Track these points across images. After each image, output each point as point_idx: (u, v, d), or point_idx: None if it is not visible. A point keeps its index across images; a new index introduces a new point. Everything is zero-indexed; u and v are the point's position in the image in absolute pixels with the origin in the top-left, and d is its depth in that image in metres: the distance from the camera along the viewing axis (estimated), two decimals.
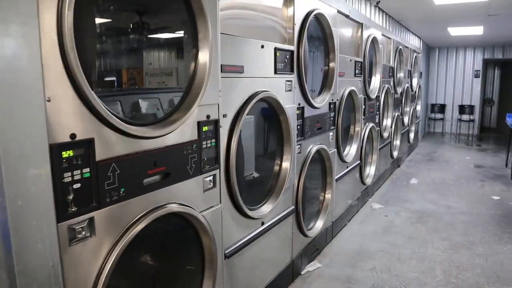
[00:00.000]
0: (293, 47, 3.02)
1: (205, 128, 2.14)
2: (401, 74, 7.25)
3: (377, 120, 5.69)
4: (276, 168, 3.02)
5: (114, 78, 1.89)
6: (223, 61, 2.26)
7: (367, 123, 5.16)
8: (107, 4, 1.73)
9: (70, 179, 1.43)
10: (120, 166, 1.63)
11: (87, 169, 1.49)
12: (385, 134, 6.26)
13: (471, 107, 12.16)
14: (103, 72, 1.74)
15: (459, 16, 6.94)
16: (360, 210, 5.15)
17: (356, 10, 5.02)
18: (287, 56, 2.96)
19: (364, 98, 4.97)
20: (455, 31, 8.78)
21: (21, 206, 1.27)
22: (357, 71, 4.58)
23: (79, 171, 1.46)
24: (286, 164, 3.03)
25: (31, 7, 1.26)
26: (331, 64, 3.79)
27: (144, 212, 1.78)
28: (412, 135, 8.97)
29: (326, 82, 3.78)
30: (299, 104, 3.19)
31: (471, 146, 10.54)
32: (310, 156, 3.40)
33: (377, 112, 5.66)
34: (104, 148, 1.56)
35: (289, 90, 3.02)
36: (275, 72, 2.82)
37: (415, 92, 9.05)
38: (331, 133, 3.91)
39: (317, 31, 3.63)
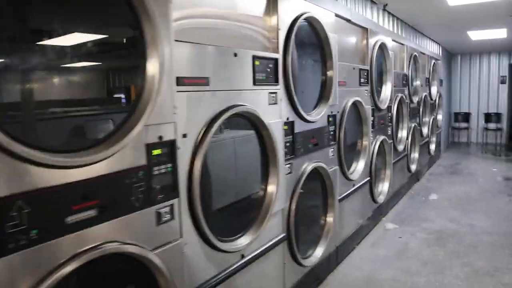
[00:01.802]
0: (277, 55, 2.69)
1: (156, 152, 1.82)
2: (417, 82, 6.80)
3: (389, 132, 5.27)
4: (260, 192, 2.67)
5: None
6: (181, 72, 1.95)
7: (377, 136, 4.75)
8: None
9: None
10: (31, 203, 1.33)
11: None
12: (400, 147, 5.81)
13: (498, 115, 11.48)
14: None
15: (478, 18, 6.47)
16: (372, 231, 4.72)
17: (360, 15, 4.68)
18: (270, 66, 2.63)
19: (373, 109, 4.57)
20: (476, 35, 8.27)
21: None
22: (362, 80, 4.20)
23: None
24: (271, 188, 2.68)
25: None
26: (329, 73, 3.43)
27: (70, 256, 1.47)
28: (433, 147, 8.43)
29: (324, 93, 3.42)
30: (287, 119, 2.84)
31: (499, 156, 9.88)
32: (304, 176, 3.04)
33: (390, 124, 5.24)
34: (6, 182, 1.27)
35: (274, 103, 2.68)
36: (254, 83, 2.50)
37: (435, 100, 8.55)
38: (331, 149, 3.54)
39: (311, 37, 3.29)
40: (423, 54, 7.55)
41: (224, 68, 2.25)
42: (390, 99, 5.17)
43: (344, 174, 3.85)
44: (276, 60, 2.68)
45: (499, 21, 6.76)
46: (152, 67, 1.76)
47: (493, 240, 4.36)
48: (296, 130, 2.95)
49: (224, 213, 2.47)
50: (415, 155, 6.87)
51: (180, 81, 1.95)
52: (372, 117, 4.56)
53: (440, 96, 9.19)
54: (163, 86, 1.79)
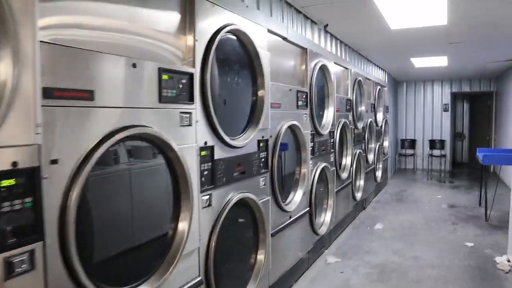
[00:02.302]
0: (193, 70, 2.32)
1: (6, 182, 1.38)
2: (362, 108, 6.67)
3: (332, 159, 5.00)
4: (170, 231, 2.24)
5: None
6: (53, 82, 1.53)
7: (318, 163, 4.46)
8: None
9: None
10: None
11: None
12: (344, 175, 5.57)
13: (442, 142, 11.70)
14: None
15: (420, 45, 6.47)
16: (312, 265, 4.36)
17: (299, 34, 4.43)
18: (183, 81, 2.25)
19: (313, 134, 4.29)
20: (419, 62, 8.36)
21: None
22: (300, 103, 3.91)
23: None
24: (183, 225, 2.25)
25: None
26: (260, 93, 3.09)
27: None
28: (379, 173, 8.33)
29: (253, 115, 3.07)
30: (205, 143, 2.45)
31: (443, 182, 9.97)
32: (227, 208, 2.64)
33: (332, 150, 4.98)
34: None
35: (188, 125, 2.29)
36: (161, 101, 2.10)
37: (381, 127, 8.50)
38: (262, 178, 3.17)
39: (240, 54, 2.95)
40: (368, 79, 7.49)
41: (118, 81, 1.85)
42: (333, 124, 4.92)
43: (278, 205, 3.48)
44: (191, 75, 2.30)
45: (440, 48, 6.81)
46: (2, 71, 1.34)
47: (437, 275, 4.12)
48: (217, 156, 2.56)
49: (119, 260, 2.01)
50: (361, 182, 6.67)
51: (48, 92, 1.52)
52: (312, 143, 4.27)
53: (386, 123, 9.19)
54: (19, 96, 1.38)
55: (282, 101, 3.51)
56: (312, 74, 4.23)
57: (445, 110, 11.71)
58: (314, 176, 4.33)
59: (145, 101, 2.00)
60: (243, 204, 2.95)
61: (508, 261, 4.32)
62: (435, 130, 11.86)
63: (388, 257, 4.64)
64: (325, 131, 4.64)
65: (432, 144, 11.82)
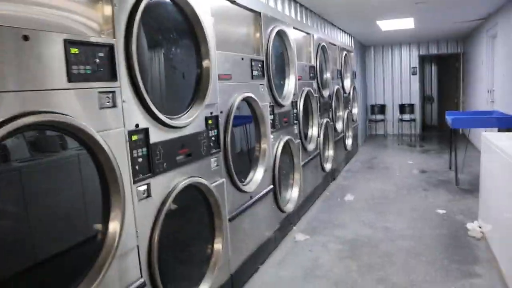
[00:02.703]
0: (112, 41, 1.94)
1: None
2: (327, 75, 6.37)
3: (296, 131, 4.72)
4: (98, 234, 1.92)
5: None
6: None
7: (280, 137, 4.17)
8: None
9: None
10: None
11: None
12: (311, 146, 5.31)
13: (411, 106, 11.61)
14: None
15: (386, 6, 6.16)
16: (280, 245, 4.13)
17: None
18: (101, 55, 1.88)
19: (272, 106, 3.97)
20: (385, 25, 8.06)
21: None
22: (256, 73, 3.57)
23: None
24: (114, 223, 1.93)
25: None
26: (205, 63, 2.74)
27: None
28: (349, 142, 8.14)
29: (198, 89, 2.72)
30: (136, 126, 2.11)
31: (414, 147, 9.90)
32: (171, 197, 2.32)
33: (295, 122, 4.69)
34: None
35: (111, 106, 1.93)
36: (70, 80, 1.73)
37: (349, 94, 8.25)
38: (213, 159, 2.86)
39: (179, 22, 2.57)
40: (334, 45, 7.16)
41: (4, 58, 1.47)
42: (295, 94, 4.61)
43: (236, 186, 3.19)
44: (110, 47, 1.93)
45: (406, 9, 6.53)
46: None
47: (408, 246, 3.95)
48: (154, 139, 2.22)
49: (38, 271, 1.68)
50: (330, 152, 6.46)
51: None
52: (272, 115, 3.96)
53: (354, 89, 8.95)
54: None
55: (233, 71, 3.16)
56: (268, 41, 3.87)
57: (414, 73, 11.57)
58: (276, 150, 4.05)
59: (49, 81, 1.63)
60: (193, 189, 2.64)
61: (479, 227, 4.20)
62: (404, 94, 11.74)
63: (359, 230, 4.45)
64: (286, 102, 4.32)
65: (402, 108, 11.72)
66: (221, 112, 2.97)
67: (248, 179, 3.54)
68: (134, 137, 2.09)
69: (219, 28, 3.04)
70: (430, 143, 10.35)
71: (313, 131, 5.55)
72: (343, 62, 7.64)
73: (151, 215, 2.22)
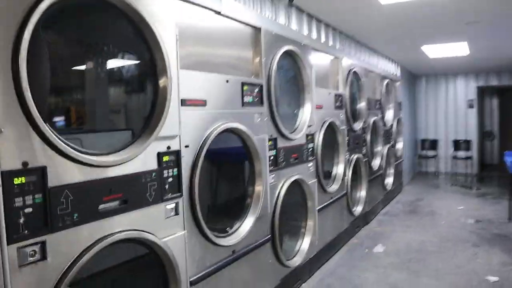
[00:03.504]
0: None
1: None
2: (361, 105, 5.61)
3: (312, 169, 3.99)
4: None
5: None
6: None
7: (286, 177, 3.47)
8: None
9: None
10: None
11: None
12: (333, 187, 4.54)
13: (467, 142, 10.39)
14: None
15: (430, 26, 5.35)
16: None
17: (250, 10, 3.46)
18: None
19: (275, 139, 3.30)
20: (432, 51, 7.14)
21: None
22: (248, 99, 2.93)
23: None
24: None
25: None
26: (161, 82, 2.15)
27: None
28: (389, 180, 7.21)
29: (151, 117, 2.13)
30: (24, 165, 1.53)
31: (469, 189, 8.70)
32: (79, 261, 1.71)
33: (311, 158, 3.96)
34: None
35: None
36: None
37: (391, 126, 7.37)
38: (169, 206, 2.22)
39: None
40: (372, 72, 6.41)
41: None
42: (311, 126, 3.91)
43: (208, 239, 2.52)
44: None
45: (456, 31, 5.66)
46: None
47: None
48: (58, 182, 1.63)
49: None
50: (361, 193, 5.61)
51: None
52: (274, 151, 3.29)
53: (399, 122, 8.05)
54: None
55: (210, 96, 2.54)
56: (272, 62, 3.23)
57: (471, 106, 10.39)
58: (279, 193, 3.35)
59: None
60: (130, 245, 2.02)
61: None
62: (460, 129, 10.55)
63: None
64: (297, 135, 3.63)
65: (457, 144, 10.52)
66: (187, 146, 2.35)
67: (232, 230, 2.85)
68: (17, 180, 1.52)
69: (200, 46, 2.50)
70: (488, 185, 9.09)
71: (339, 169, 4.78)
72: (384, 91, 6.82)
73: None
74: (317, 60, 4.30)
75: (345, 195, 4.95)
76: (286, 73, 3.68)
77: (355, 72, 5.29)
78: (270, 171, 3.21)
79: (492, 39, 6.15)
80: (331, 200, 4.50)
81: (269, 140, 3.20)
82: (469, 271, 4.09)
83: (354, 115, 5.36)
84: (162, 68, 2.13)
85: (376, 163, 6.35)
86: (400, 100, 8.35)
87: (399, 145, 8.16)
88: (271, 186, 3.23)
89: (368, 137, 5.88)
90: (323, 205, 4.26)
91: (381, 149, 6.60)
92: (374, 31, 5.60)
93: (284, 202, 3.39)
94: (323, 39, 4.80)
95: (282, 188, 3.38)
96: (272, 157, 3.24)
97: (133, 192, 2.00)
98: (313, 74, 3.90)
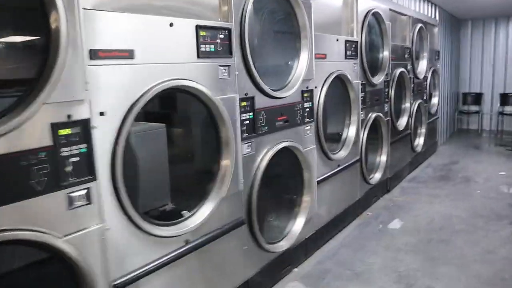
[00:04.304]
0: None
1: None
2: (384, 54, 4.75)
3: (309, 134, 3.30)
4: None
5: None
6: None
7: (271, 145, 2.81)
8: None
9: None
10: None
11: None
12: (340, 154, 3.85)
13: None
14: None
15: None
16: None
17: None
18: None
19: (251, 99, 2.62)
20: None
21: None
22: (206, 48, 2.25)
23: None
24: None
25: None
26: (52, 21, 1.51)
27: None
28: (420, 141, 6.36)
29: (41, 72, 1.52)
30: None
31: None
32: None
33: (306, 120, 3.25)
34: None
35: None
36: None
37: (425, 79, 6.42)
38: (75, 194, 1.65)
39: None
40: (401, 14, 5.46)
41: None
42: (310, 80, 3.18)
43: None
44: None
45: None
46: None
47: None
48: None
49: None
50: (381, 158, 4.88)
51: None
52: (251, 114, 2.62)
53: (434, 73, 7.04)
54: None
55: (141, 45, 1.89)
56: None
57: None
58: (259, 165, 2.72)
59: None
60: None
61: None
62: (509, 81, 9.30)
63: None
64: (286, 92, 2.92)
65: (504, 99, 9.31)
66: (102, 113, 1.74)
67: (188, 215, 2.27)
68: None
69: None
70: None
71: (350, 131, 4.05)
72: (415, 37, 5.84)
73: None
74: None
75: (358, 161, 4.25)
76: (272, 16, 2.93)
77: (375, 14, 4.40)
78: (244, 139, 2.56)
79: None
80: (338, 169, 3.82)
81: (243, 100, 2.53)
82: (501, 259, 3.36)
83: (374, 67, 4.54)
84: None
85: (402, 122, 5.52)
86: (438, 48, 7.28)
87: (435, 100, 7.20)
88: (246, 157, 2.59)
89: (392, 92, 5.04)
90: (326, 175, 3.60)
91: (410, 105, 5.74)
92: None
93: (267, 176, 2.76)
94: None
95: (263, 159, 2.74)
96: (247, 122, 2.58)
97: (9, 181, 1.45)
98: (311, 13, 3.11)
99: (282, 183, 3.25)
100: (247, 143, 2.61)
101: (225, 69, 2.38)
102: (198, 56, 2.20)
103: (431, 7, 7.20)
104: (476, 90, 9.69)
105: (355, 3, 4.02)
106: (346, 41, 3.82)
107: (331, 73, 3.54)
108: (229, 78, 2.41)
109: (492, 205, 4.63)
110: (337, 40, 3.67)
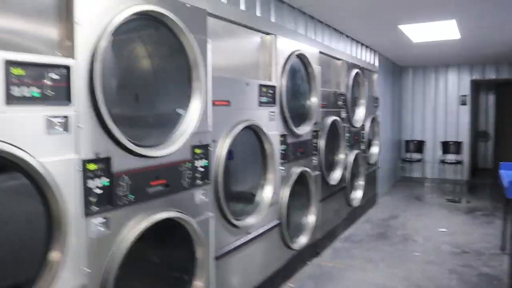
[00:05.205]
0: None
1: None
2: (312, 100, 4.25)
3: (205, 199, 2.63)
4: None
5: None
6: None
7: (146, 216, 2.11)
8: None
9: None
10: None
11: None
12: (249, 221, 3.19)
13: (458, 144, 9.03)
14: None
15: None
16: None
17: None
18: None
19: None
20: (414, 33, 5.69)
21: None
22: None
23: None
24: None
25: None
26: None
27: None
28: (357, 195, 5.87)
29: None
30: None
31: (458, 202, 7.38)
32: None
33: (205, 180, 2.60)
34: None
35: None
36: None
37: (362, 128, 6.02)
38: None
39: None
40: (335, 58, 5.07)
41: None
42: (198, 134, 2.55)
43: None
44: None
45: (438, 4, 4.29)
46: None
47: None
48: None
49: None
50: (308, 219, 4.27)
51: None
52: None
53: (374, 121, 6.70)
54: None
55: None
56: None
57: (463, 103, 9.02)
58: (119, 247, 2.00)
59: None
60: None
61: None
62: (450, 129, 9.18)
63: None
64: (167, 149, 2.27)
65: (445, 147, 9.17)
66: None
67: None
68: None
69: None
70: (479, 197, 7.78)
71: (265, 192, 3.42)
72: (351, 83, 5.44)
73: None
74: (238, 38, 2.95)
75: (278, 225, 3.62)
76: (155, 51, 2.31)
77: (301, 56, 3.92)
78: (93, 213, 1.85)
79: (486, 15, 4.76)
80: (249, 238, 3.16)
81: (90, 162, 1.84)
82: None
83: (299, 115, 4.02)
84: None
85: (335, 175, 5.01)
86: (377, 95, 6.99)
87: (374, 150, 6.82)
88: (97, 240, 1.87)
89: (323, 143, 4.52)
90: (230, 247, 2.93)
91: (345, 156, 5.26)
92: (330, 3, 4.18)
93: (139, 258, 2.04)
94: (242, 6, 3.37)
95: (126, 239, 2.03)
96: (99, 191, 1.88)
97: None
98: (206, 49, 2.53)
99: (164, 265, 2.53)
100: (98, 219, 1.89)
101: (59, 121, 1.70)
102: (7, 103, 1.51)
103: (371, 53, 6.93)
104: (418, 137, 9.51)
105: (273, 44, 3.51)
106: (261, 86, 3.26)
107: (238, 123, 2.93)
108: (66, 134, 1.73)
109: (432, 271, 4.11)
110: (247, 84, 3.08)
